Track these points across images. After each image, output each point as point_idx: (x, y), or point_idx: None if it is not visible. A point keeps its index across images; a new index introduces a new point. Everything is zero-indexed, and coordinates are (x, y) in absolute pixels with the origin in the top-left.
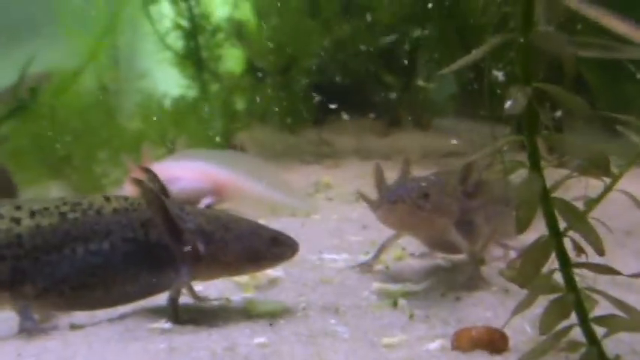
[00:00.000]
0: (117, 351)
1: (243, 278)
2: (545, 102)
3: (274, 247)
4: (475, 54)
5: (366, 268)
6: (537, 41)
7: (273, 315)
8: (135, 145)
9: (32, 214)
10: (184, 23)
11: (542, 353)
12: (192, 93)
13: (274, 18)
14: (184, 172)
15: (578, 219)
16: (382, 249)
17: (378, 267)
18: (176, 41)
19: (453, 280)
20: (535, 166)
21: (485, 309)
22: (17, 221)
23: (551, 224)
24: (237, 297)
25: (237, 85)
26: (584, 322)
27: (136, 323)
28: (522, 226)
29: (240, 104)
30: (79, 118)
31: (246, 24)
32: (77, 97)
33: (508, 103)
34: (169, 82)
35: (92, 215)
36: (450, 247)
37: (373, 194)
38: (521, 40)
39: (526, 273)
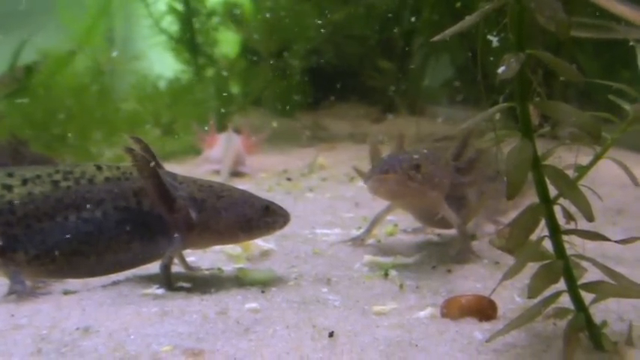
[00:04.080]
0: (110, 314)
1: (235, 250)
2: (538, 70)
3: (266, 216)
4: (468, 20)
5: (358, 242)
6: (531, 5)
7: (265, 283)
8: (130, 126)
9: (24, 181)
10: (179, 7)
11: (530, 319)
12: (186, 77)
13: (269, 1)
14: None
15: (569, 186)
16: (374, 223)
17: (370, 241)
18: (171, 25)
19: (444, 254)
20: (527, 133)
21: (475, 281)
22: (9, 188)
23: (542, 191)
24: (229, 267)
25: (232, 68)
26: (573, 288)
27: (129, 289)
28: (512, 192)
29: (235, 88)
30: (74, 98)
31: (240, 7)
32: (73, 77)
33: (501, 69)
34: (164, 64)
35: (84, 184)
36: (441, 222)
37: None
38: (516, 5)
39: (516, 240)
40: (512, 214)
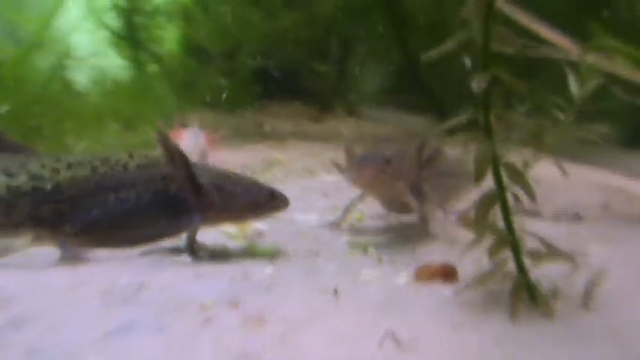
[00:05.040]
0: (154, 275)
1: (232, 229)
2: (498, 87)
3: (272, 200)
4: (442, 49)
5: (335, 225)
6: (497, 42)
7: (272, 255)
8: (95, 119)
9: (69, 166)
10: (122, 2)
11: (486, 280)
12: (128, 73)
13: (217, 4)
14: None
15: (518, 175)
16: (348, 209)
17: (344, 225)
18: (114, 20)
19: (408, 235)
20: (488, 134)
21: (437, 255)
22: (57, 172)
23: (497, 179)
24: (230, 244)
25: (179, 67)
26: (517, 255)
27: (160, 258)
28: (479, 178)
29: (181, 87)
30: (42, 91)
31: (189, 7)
32: (35, 72)
33: (474, 84)
34: (115, 60)
35: (119, 169)
36: (403, 208)
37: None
38: (484, 37)
39: (478, 218)
40: (455, 204)
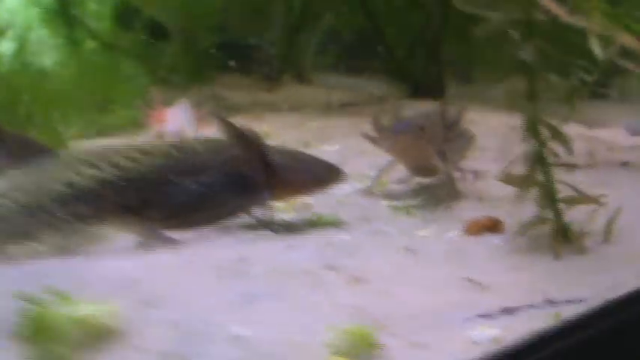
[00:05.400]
0: (249, 249)
1: (282, 203)
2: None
3: (331, 174)
4: (493, 24)
5: (368, 192)
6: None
7: (335, 224)
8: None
9: (147, 153)
10: None
11: (529, 227)
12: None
13: None
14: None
15: (556, 132)
16: (379, 176)
17: (376, 191)
18: None
19: (437, 195)
20: (532, 99)
21: (470, 212)
22: (138, 160)
23: (537, 137)
24: (285, 216)
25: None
26: (554, 202)
27: (241, 233)
28: (530, 137)
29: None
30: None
31: None
32: None
33: (522, 53)
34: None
35: (192, 155)
36: (429, 171)
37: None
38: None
39: (526, 174)
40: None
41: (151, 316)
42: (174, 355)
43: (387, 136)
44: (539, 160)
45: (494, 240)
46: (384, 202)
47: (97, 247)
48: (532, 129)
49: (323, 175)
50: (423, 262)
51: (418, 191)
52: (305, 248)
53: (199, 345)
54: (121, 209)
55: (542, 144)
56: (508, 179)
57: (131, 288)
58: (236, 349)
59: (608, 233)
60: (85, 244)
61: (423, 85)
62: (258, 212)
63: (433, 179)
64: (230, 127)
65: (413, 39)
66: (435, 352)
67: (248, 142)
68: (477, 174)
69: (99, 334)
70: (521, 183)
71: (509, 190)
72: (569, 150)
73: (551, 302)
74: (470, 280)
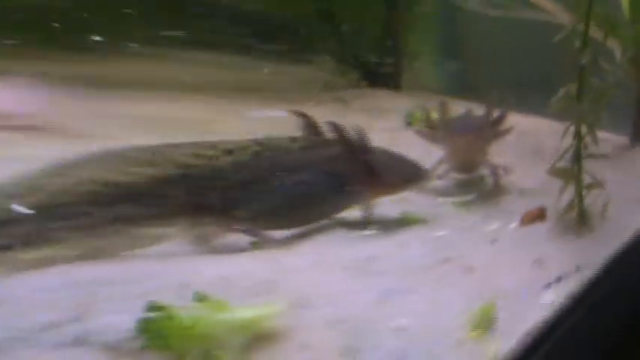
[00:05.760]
0: (361, 248)
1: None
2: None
3: (419, 172)
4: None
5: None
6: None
7: (419, 221)
8: None
9: (229, 152)
10: None
11: (568, 213)
12: None
13: None
14: None
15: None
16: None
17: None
18: None
19: (483, 190)
20: (580, 98)
21: (518, 204)
22: (215, 158)
23: (578, 131)
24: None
25: None
26: (581, 189)
27: (344, 233)
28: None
29: None
30: None
31: None
32: None
33: (580, 60)
34: None
35: (283, 153)
36: (472, 167)
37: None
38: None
39: (571, 167)
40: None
41: (306, 315)
42: (350, 350)
43: (446, 135)
44: (577, 155)
45: (541, 228)
46: (440, 199)
47: (150, 249)
48: (578, 128)
49: (413, 173)
50: (503, 250)
51: (464, 186)
52: (416, 246)
53: (368, 339)
54: (188, 209)
55: (580, 139)
56: (556, 172)
57: (271, 290)
58: (402, 340)
59: (604, 212)
60: (129, 247)
61: (378, 74)
62: (356, 211)
63: (470, 175)
64: (334, 126)
65: (370, 26)
66: (525, 318)
67: (351, 141)
68: (506, 169)
69: (264, 337)
70: (566, 176)
71: (534, 182)
72: (596, 143)
73: (578, 269)
74: (537, 261)
